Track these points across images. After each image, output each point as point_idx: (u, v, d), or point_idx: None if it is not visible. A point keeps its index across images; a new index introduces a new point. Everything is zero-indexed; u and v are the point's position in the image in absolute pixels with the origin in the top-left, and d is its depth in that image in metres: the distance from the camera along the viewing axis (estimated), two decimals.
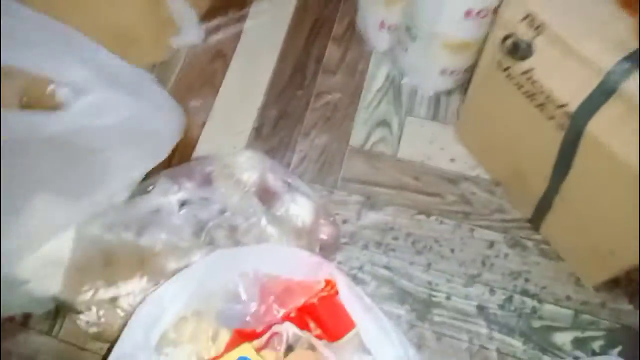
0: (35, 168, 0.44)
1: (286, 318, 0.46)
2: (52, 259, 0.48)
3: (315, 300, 0.46)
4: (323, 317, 0.46)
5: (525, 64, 0.47)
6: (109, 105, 0.41)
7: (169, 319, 0.44)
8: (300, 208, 0.56)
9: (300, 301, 0.46)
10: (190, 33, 0.73)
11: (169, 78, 0.72)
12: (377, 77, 0.71)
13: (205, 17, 0.75)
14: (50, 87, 0.53)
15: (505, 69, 0.50)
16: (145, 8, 0.64)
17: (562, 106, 0.45)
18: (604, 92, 0.41)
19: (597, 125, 0.42)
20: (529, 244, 0.58)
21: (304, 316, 0.47)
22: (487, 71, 0.53)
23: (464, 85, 0.68)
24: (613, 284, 0.54)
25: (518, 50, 0.47)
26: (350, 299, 0.45)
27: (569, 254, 0.56)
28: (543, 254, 0.57)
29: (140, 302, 0.45)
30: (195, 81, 0.72)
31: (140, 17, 0.65)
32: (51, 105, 0.49)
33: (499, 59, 0.50)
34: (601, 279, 0.53)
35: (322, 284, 0.46)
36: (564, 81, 0.44)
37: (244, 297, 0.45)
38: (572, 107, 0.44)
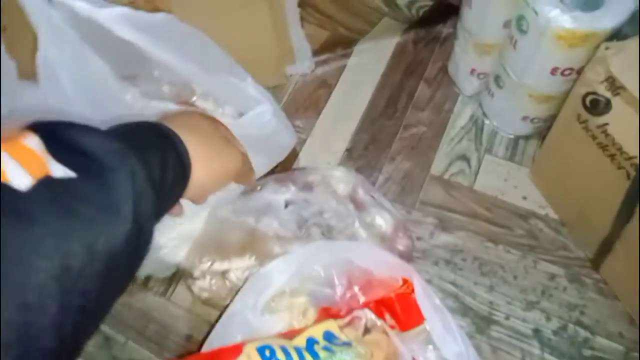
0: None
1: (366, 306, 0.55)
2: (184, 233, 0.60)
3: (392, 294, 0.55)
4: (397, 310, 0.55)
5: (601, 119, 0.54)
6: (264, 118, 0.53)
7: (273, 291, 0.54)
8: (383, 220, 0.65)
9: (380, 294, 0.55)
10: (304, 63, 0.86)
11: (281, 100, 0.85)
12: (461, 116, 0.80)
13: (318, 51, 0.87)
14: (194, 97, 0.67)
15: (583, 122, 0.57)
16: (274, 42, 0.77)
17: (630, 158, 0.51)
18: None
19: None
20: (588, 281, 0.63)
21: (380, 307, 0.55)
22: (566, 121, 0.60)
23: (542, 133, 0.75)
24: None
25: (597, 106, 0.55)
26: (423, 297, 0.53)
27: (625, 294, 0.61)
28: (600, 292, 0.62)
29: (253, 274, 0.55)
30: (302, 104, 0.84)
31: (269, 49, 0.78)
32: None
33: (578, 112, 0.57)
34: None
35: (400, 282, 0.55)
36: (635, 137, 0.51)
37: (334, 282, 0.54)
38: None
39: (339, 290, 0.54)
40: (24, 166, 0.25)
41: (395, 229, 0.65)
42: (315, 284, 0.55)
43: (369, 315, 0.54)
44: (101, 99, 0.49)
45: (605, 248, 0.60)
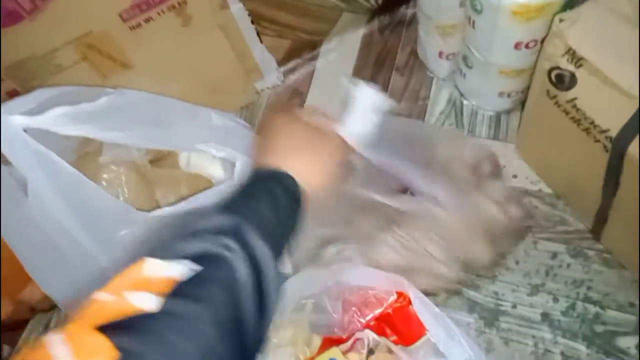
0: None
1: (366, 326, 0.54)
2: None
3: (390, 310, 0.54)
4: (398, 324, 0.54)
5: (569, 94, 0.52)
6: (243, 167, 0.53)
7: None
8: None
9: (377, 311, 0.54)
10: (271, 76, 0.84)
11: (256, 117, 0.84)
12: (439, 101, 0.78)
13: (283, 61, 0.85)
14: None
15: (553, 97, 0.55)
16: (236, 63, 0.77)
17: (604, 131, 0.49)
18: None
19: (637, 148, 0.46)
20: (591, 253, 0.61)
21: (381, 324, 0.55)
22: (537, 98, 0.58)
23: (523, 104, 0.72)
24: None
25: (563, 81, 0.52)
26: (422, 308, 0.52)
27: (629, 262, 0.59)
28: (605, 262, 0.60)
29: None
30: None
31: (232, 70, 0.78)
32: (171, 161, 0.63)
33: (547, 88, 0.55)
34: None
35: (395, 296, 0.54)
36: (605, 109, 0.49)
37: (329, 309, 0.54)
38: (614, 132, 0.48)
39: (337, 316, 0.54)
40: (150, 291, 0.28)
41: None
42: (313, 312, 0.55)
43: (370, 336, 0.53)
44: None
45: (602, 218, 0.58)
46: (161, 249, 0.31)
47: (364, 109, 0.45)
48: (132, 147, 0.57)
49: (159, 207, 0.59)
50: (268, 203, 0.37)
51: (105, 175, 0.58)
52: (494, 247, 0.58)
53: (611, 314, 0.58)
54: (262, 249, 0.33)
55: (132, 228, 0.50)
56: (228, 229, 0.33)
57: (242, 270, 0.31)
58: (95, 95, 0.48)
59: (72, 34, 0.63)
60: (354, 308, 0.54)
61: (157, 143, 0.51)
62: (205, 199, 0.54)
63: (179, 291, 0.29)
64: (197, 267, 0.30)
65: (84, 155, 0.63)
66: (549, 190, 0.66)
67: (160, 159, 0.67)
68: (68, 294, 0.57)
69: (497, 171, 0.62)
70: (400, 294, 0.54)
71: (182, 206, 0.53)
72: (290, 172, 0.39)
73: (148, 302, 0.27)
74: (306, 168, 0.40)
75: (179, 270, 0.29)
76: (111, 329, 0.26)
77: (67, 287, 0.55)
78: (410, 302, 0.54)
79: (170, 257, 0.30)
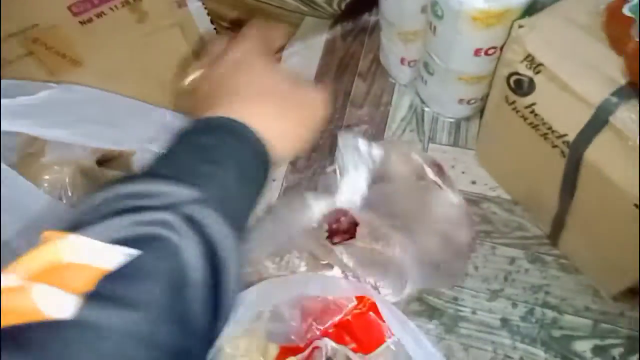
0: None
1: (325, 334, 0.53)
2: None
3: (349, 317, 0.53)
4: (357, 332, 0.53)
5: (528, 99, 0.52)
6: None
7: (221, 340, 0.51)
8: None
9: (336, 318, 0.53)
10: None
11: None
12: (400, 107, 0.78)
13: None
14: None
15: (512, 103, 0.55)
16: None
17: (561, 136, 0.50)
18: (596, 124, 0.46)
19: (593, 153, 0.47)
20: (549, 259, 0.62)
21: (340, 331, 0.53)
22: (496, 104, 0.59)
23: (482, 111, 0.73)
24: (631, 294, 0.57)
25: (522, 87, 0.53)
26: (389, 314, 0.51)
27: (586, 267, 0.60)
28: (562, 268, 0.61)
29: None
30: None
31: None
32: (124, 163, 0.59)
33: (505, 93, 0.55)
34: (618, 289, 0.57)
35: (355, 302, 0.53)
36: (562, 114, 0.49)
37: (287, 317, 0.52)
38: (571, 137, 0.49)
39: (295, 324, 0.52)
40: (67, 288, 0.21)
41: None
42: (269, 321, 0.53)
43: (329, 344, 0.52)
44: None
45: (559, 223, 0.59)
46: (90, 225, 0.24)
47: (359, 167, 0.43)
48: (77, 147, 0.54)
49: None
50: (233, 172, 0.28)
51: (47, 177, 0.54)
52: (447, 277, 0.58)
53: (568, 318, 0.58)
54: (223, 233, 0.26)
55: None
56: (182, 205, 0.25)
57: (195, 261, 0.25)
58: (36, 90, 0.45)
59: (16, 26, 0.59)
60: (312, 315, 0.52)
61: (104, 142, 0.48)
62: None
63: (107, 290, 0.22)
64: (135, 255, 0.23)
65: (26, 155, 0.59)
66: (507, 197, 0.67)
67: (110, 160, 0.63)
68: None
69: (441, 174, 0.62)
70: (360, 300, 0.53)
71: None
72: (261, 132, 0.30)
73: (60, 307, 0.20)
74: (281, 131, 0.32)
75: (111, 257, 0.22)
76: (3, 339, 0.19)
77: None
78: (370, 309, 0.53)
79: (101, 238, 0.23)
